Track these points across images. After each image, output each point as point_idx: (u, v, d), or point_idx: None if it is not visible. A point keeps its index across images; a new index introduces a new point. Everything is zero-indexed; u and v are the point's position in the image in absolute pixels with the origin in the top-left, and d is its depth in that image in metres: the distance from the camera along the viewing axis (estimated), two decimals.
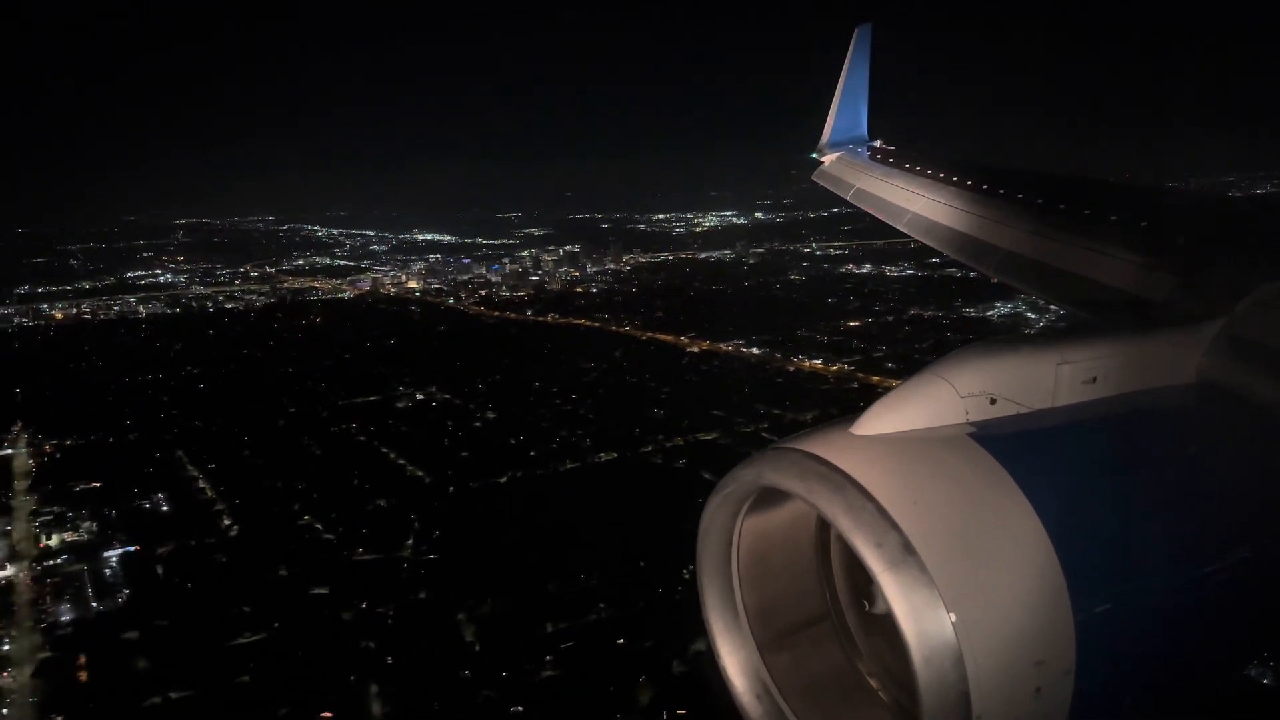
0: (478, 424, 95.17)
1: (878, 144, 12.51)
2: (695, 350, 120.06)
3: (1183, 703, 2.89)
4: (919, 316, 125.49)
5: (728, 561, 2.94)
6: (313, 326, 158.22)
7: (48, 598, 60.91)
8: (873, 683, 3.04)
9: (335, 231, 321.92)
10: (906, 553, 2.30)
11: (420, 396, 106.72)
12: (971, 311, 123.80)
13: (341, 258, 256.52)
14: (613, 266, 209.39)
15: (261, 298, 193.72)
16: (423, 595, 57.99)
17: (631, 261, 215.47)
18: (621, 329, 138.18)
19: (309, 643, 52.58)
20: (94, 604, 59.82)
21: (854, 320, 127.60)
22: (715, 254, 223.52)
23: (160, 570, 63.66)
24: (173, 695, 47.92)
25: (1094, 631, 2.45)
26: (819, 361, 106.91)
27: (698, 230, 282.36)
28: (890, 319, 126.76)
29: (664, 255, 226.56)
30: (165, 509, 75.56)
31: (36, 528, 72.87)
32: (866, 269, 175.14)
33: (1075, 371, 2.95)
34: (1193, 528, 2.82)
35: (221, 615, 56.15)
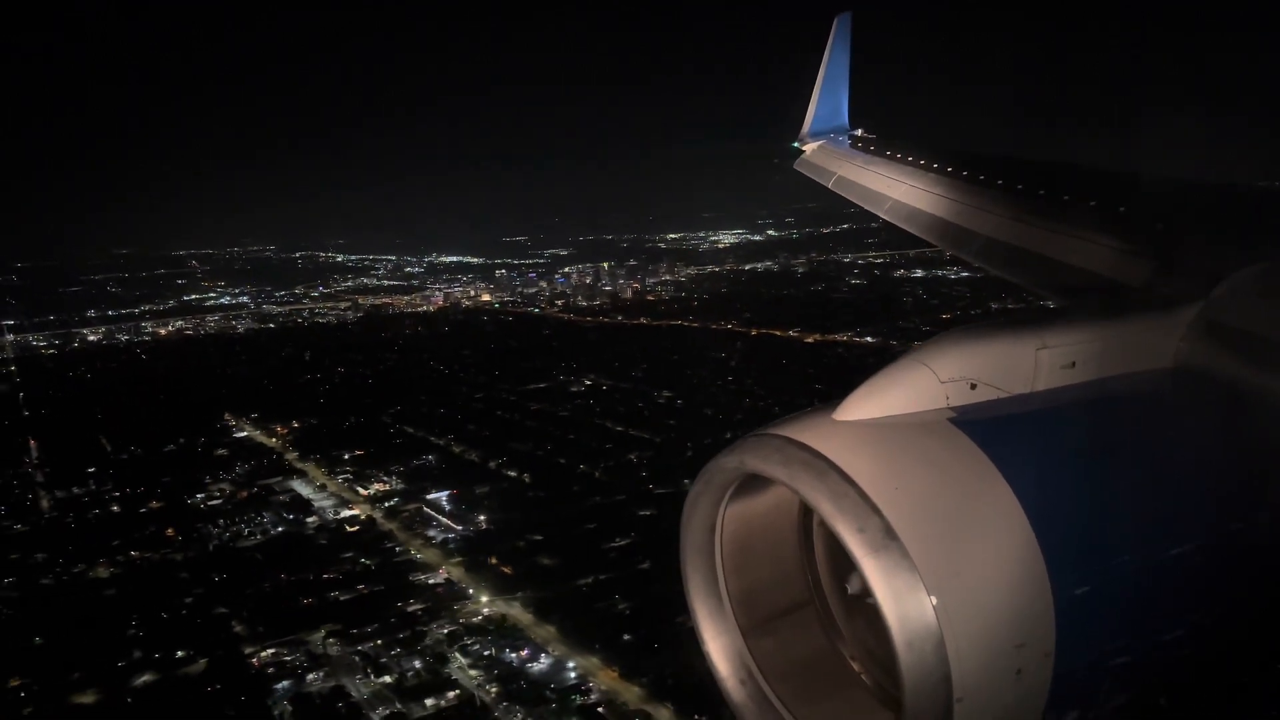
0: (662, 401, 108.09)
1: (859, 132, 12.57)
2: (811, 341, 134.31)
3: (1160, 685, 2.98)
4: (1004, 309, 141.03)
5: (711, 548, 2.99)
6: (420, 335, 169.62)
7: (415, 525, 72.99)
8: (855, 667, 3.09)
9: (355, 257, 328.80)
10: (888, 537, 2.34)
11: (588, 382, 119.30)
12: (1051, 304, 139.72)
13: (386, 278, 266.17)
14: (669, 278, 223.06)
15: (347, 313, 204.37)
16: None
17: (684, 274, 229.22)
18: (723, 327, 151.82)
19: (672, 545, 65.19)
20: (458, 527, 72.01)
21: (945, 313, 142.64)
22: (759, 265, 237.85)
23: (495, 504, 75.85)
24: (601, 577, 60.57)
25: (1073, 614, 2.50)
26: None
27: (720, 246, 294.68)
28: (977, 310, 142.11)
29: (710, 267, 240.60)
30: (445, 466, 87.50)
31: (342, 483, 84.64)
32: (919, 273, 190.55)
33: (1054, 356, 3.02)
34: (1170, 511, 2.87)
35: (578, 531, 68.68)
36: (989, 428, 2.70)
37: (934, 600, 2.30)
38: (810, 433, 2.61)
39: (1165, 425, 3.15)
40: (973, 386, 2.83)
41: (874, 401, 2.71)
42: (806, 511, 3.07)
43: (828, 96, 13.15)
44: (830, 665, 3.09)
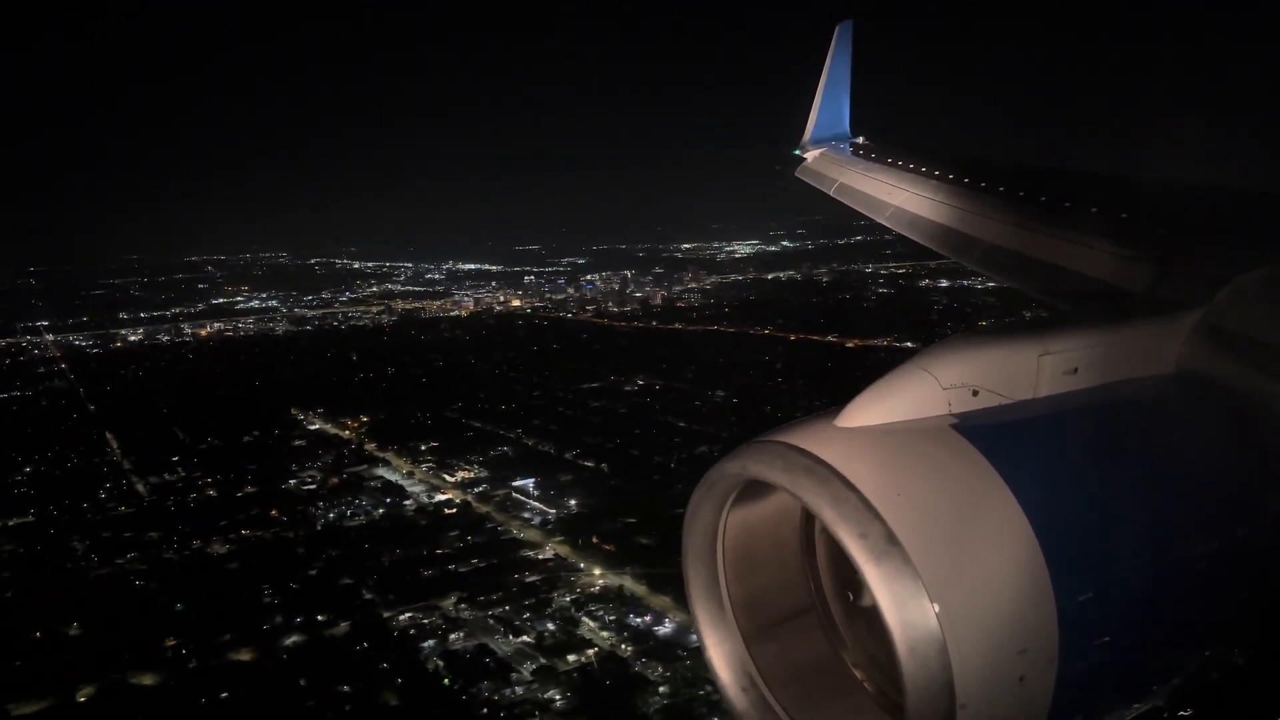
0: (718, 399, 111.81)
1: (860, 140, 12.62)
2: (852, 346, 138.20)
3: (1163, 690, 2.98)
4: (1039, 317, 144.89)
5: (713, 554, 3.00)
6: (459, 338, 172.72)
7: (509, 507, 76.71)
8: (858, 673, 3.09)
9: (372, 264, 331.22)
10: (890, 544, 2.35)
11: (640, 382, 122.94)
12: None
13: (408, 284, 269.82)
14: (694, 286, 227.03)
15: (381, 316, 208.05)
16: None
17: (708, 282, 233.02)
18: (760, 332, 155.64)
19: None
20: (550, 510, 75.71)
21: (982, 320, 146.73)
22: (781, 274, 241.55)
23: (581, 491, 79.53)
24: None
25: (1076, 620, 2.51)
26: None
27: (738, 256, 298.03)
28: (1010, 320, 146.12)
29: (733, 276, 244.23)
30: (522, 456, 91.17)
31: (427, 471, 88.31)
32: (945, 283, 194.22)
33: (1057, 362, 3.02)
34: (1173, 516, 2.88)
35: (669, 515, 72.09)
36: (991, 434, 2.74)
37: (937, 607, 2.33)
38: (812, 439, 2.65)
39: (1168, 431, 3.17)
40: (975, 393, 2.86)
41: (876, 408, 2.75)
42: (809, 518, 3.10)
43: (829, 104, 13.32)
44: (832, 671, 3.11)
